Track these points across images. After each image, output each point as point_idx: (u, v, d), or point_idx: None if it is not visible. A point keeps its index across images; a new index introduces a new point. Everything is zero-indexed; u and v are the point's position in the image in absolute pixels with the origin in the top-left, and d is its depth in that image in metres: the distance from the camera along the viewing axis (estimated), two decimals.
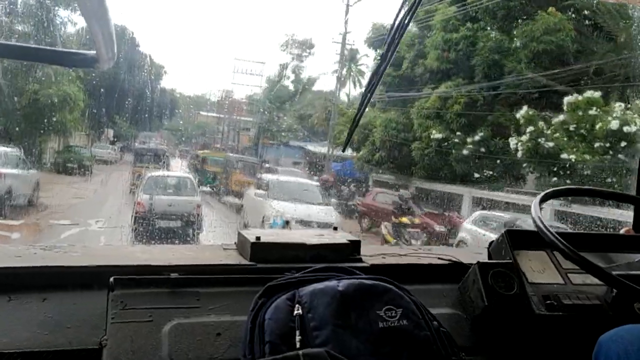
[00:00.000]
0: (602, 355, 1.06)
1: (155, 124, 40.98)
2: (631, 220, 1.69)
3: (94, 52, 0.86)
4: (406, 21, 1.34)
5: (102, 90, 25.13)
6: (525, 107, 16.55)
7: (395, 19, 1.34)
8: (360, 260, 1.41)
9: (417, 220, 14.41)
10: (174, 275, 1.19)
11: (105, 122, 33.39)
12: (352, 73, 45.29)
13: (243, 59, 54.38)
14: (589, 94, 14.91)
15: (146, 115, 34.71)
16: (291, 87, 48.48)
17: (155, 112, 35.95)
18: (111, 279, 1.13)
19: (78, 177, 21.46)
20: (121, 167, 29.07)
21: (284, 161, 34.07)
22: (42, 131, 20.66)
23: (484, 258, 1.44)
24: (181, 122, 51.37)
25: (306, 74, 50.21)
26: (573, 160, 14.53)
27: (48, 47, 0.92)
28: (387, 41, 1.39)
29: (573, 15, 17.56)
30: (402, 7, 1.31)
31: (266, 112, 42.07)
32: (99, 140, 35.38)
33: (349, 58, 43.83)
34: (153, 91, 34.17)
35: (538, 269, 1.39)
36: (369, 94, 1.53)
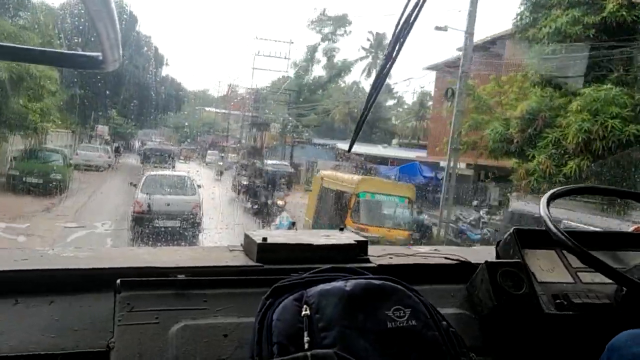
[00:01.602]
0: (615, 357, 1.03)
1: (157, 120, 35.88)
2: None
3: (100, 53, 0.86)
4: (412, 19, 1.30)
5: (92, 76, 19.65)
6: None
7: (401, 15, 1.30)
8: (368, 261, 1.41)
9: None
10: (180, 276, 1.19)
11: (98, 116, 28.23)
12: (378, 61, 39.17)
13: (266, 39, 46.55)
14: None
15: (147, 110, 29.90)
16: (323, 73, 39.73)
17: (158, 106, 30.54)
18: (118, 281, 1.13)
19: (39, 201, 14.16)
20: (116, 176, 22.77)
21: (322, 165, 28.64)
22: None
23: (492, 257, 1.43)
24: (186, 122, 45.93)
25: (340, 56, 41.05)
26: None
27: (52, 49, 0.92)
28: (393, 39, 1.36)
29: None
30: (409, 1, 1.28)
31: (292, 105, 34.65)
32: (90, 139, 29.14)
33: (375, 45, 38.75)
34: (155, 81, 29.21)
35: (547, 268, 1.39)
36: (375, 94, 1.50)
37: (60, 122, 21.45)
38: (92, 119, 27.70)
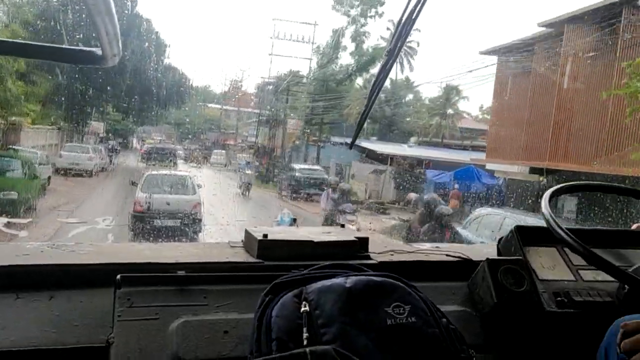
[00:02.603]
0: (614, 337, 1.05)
1: (158, 116, 30.78)
2: None
3: (99, 49, 0.86)
4: (414, 15, 1.29)
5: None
6: None
7: (403, 13, 1.30)
8: (368, 258, 1.41)
9: None
10: (180, 273, 1.19)
11: (91, 111, 23.66)
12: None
13: (286, 20, 40.93)
14: None
15: (148, 104, 25.34)
16: (350, 60, 32.61)
17: (160, 100, 25.69)
18: (118, 277, 1.13)
19: None
20: (108, 184, 18.39)
21: (357, 168, 24.65)
22: None
23: (493, 255, 1.42)
24: (187, 119, 41.19)
25: (370, 42, 34.12)
26: None
27: (51, 45, 0.91)
28: (395, 36, 1.36)
29: None
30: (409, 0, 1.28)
31: (317, 98, 28.55)
32: (82, 137, 24.66)
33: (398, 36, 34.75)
34: (157, 71, 24.54)
35: (548, 265, 1.39)
36: (376, 91, 1.50)
37: (40, 117, 18.00)
38: (84, 114, 23.51)
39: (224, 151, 36.82)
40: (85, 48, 0.87)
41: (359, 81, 36.79)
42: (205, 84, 60.55)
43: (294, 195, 19.68)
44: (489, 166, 20.00)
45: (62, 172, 17.58)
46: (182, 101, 29.75)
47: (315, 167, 23.00)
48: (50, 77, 16.83)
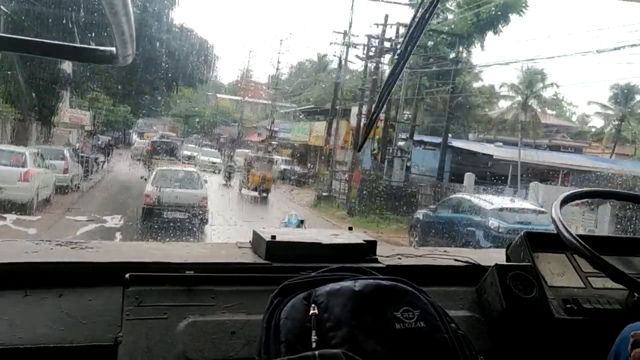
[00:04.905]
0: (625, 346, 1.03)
1: (163, 103, 23.52)
2: None
3: (113, 48, 0.85)
4: (426, 17, 1.28)
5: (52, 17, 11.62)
6: None
7: (414, 16, 1.30)
8: (376, 261, 1.40)
9: None
10: (189, 272, 1.19)
11: (61, 92, 16.30)
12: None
13: None
14: None
15: (154, 85, 17.92)
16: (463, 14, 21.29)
17: (170, 79, 17.83)
18: (127, 276, 1.13)
19: None
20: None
21: (543, 194, 14.20)
22: None
23: (502, 260, 1.42)
24: (204, 112, 35.67)
25: None
26: None
27: (66, 43, 0.91)
28: (406, 38, 1.35)
29: None
30: (422, 2, 1.26)
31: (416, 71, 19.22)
32: (50, 130, 17.02)
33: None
34: (165, 34, 16.40)
35: (557, 272, 1.37)
36: (385, 94, 1.47)
37: None
38: (52, 95, 15.97)
39: (247, 151, 28.01)
40: (99, 47, 0.87)
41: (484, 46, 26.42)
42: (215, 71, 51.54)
43: None
44: None
45: None
46: (201, 80, 20.55)
47: (527, 204, 12.48)
48: None
